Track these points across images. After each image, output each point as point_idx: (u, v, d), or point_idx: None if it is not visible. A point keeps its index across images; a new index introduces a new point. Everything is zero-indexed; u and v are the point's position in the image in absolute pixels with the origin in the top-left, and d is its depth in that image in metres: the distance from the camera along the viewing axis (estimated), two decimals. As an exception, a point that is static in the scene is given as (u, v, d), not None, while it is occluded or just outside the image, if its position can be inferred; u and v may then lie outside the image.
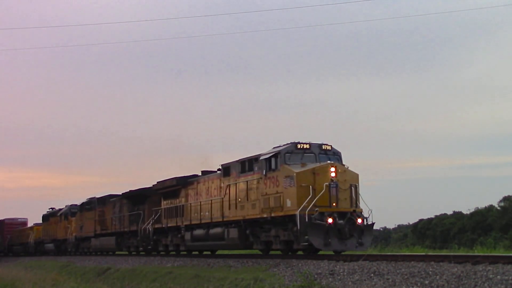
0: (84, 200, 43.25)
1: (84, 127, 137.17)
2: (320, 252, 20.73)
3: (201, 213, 25.98)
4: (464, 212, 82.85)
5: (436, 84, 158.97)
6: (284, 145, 21.25)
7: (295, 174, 19.82)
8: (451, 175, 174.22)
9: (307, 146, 21.16)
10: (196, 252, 28.96)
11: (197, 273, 20.77)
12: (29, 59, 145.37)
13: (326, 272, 16.30)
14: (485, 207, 78.45)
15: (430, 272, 13.84)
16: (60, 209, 50.21)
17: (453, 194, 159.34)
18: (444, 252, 24.10)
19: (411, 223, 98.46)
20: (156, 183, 30.70)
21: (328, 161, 20.56)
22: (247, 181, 22.44)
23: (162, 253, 31.30)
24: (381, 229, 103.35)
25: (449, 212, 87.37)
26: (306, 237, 19.05)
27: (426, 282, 13.23)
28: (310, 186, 19.45)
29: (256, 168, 22.06)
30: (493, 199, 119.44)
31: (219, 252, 28.89)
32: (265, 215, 21.12)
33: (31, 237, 57.24)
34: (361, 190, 20.56)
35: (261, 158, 21.65)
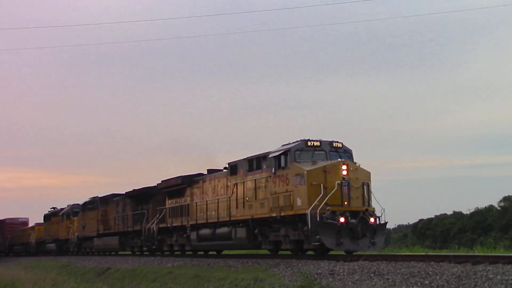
0: (86, 199, 42.78)
1: (84, 127, 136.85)
2: (331, 252, 20.25)
3: (207, 213, 25.52)
4: (464, 212, 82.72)
5: (436, 84, 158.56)
6: (293, 142, 20.67)
7: (305, 172, 19.31)
8: (451, 175, 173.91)
9: (318, 143, 20.59)
10: (202, 252, 28.55)
11: (197, 273, 20.54)
12: (29, 59, 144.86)
13: (326, 272, 16.16)
14: (485, 207, 78.23)
15: (430, 272, 13.77)
16: (62, 209, 49.67)
17: (453, 194, 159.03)
18: (444, 252, 23.86)
19: (411, 223, 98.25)
20: (160, 182, 30.30)
21: (339, 159, 20.06)
22: (255, 180, 21.94)
23: (166, 253, 30.88)
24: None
25: (449, 212, 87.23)
26: (318, 236, 18.56)
27: (426, 282, 13.14)
28: (321, 185, 18.95)
29: (264, 166, 21.55)
30: (493, 199, 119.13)
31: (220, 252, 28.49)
32: (274, 214, 20.62)
33: (32, 237, 56.75)
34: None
35: (270, 156, 21.12)
